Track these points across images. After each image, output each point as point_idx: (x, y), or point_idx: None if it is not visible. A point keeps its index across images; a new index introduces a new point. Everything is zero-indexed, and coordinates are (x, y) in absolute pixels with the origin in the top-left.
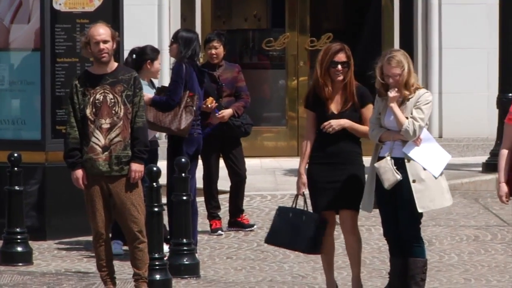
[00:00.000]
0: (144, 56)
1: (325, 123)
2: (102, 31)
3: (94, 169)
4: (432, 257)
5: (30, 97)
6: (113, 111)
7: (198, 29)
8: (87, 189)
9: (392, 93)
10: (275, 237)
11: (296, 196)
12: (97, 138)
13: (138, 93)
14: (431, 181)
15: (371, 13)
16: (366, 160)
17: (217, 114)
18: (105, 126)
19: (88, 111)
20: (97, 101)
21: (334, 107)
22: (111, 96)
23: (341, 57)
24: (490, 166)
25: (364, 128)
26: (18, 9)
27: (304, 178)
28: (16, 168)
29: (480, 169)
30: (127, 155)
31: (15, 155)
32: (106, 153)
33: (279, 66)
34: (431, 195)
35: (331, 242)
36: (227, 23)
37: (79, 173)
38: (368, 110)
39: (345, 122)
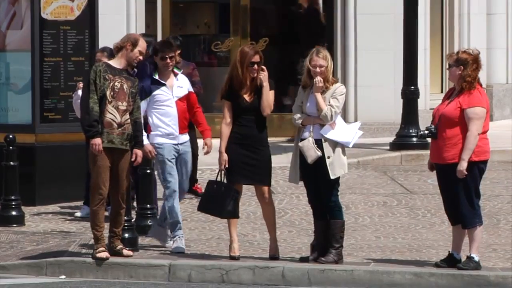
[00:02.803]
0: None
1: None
2: (145, 46)
3: (109, 141)
4: (349, 219)
5: (23, 89)
6: (128, 98)
7: (159, 34)
8: (99, 160)
9: (318, 78)
10: (202, 205)
11: (220, 171)
12: (113, 115)
13: (138, 93)
14: (338, 155)
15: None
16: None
17: None
18: (122, 107)
19: (108, 93)
20: (115, 87)
21: (247, 97)
22: (126, 85)
23: (257, 58)
24: (395, 146)
25: (270, 99)
26: (12, 18)
27: (225, 156)
28: (11, 147)
29: (388, 147)
30: (131, 134)
31: (10, 136)
32: (120, 129)
33: (225, 64)
34: (339, 165)
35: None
36: (183, 29)
37: (99, 140)
38: (271, 93)
39: (267, 84)
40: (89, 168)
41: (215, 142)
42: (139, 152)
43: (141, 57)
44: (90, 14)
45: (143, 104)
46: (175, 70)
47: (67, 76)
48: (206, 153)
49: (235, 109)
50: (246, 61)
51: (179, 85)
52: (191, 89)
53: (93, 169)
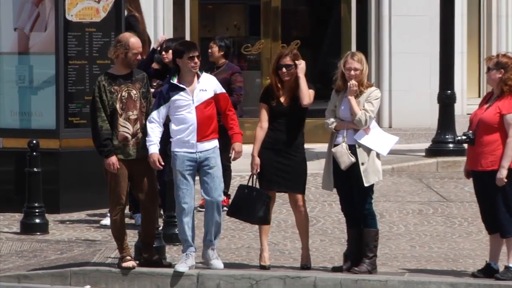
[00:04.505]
0: None
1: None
2: (140, 44)
3: (125, 154)
4: (383, 228)
5: (47, 93)
6: (138, 104)
7: (187, 36)
8: (116, 172)
9: (352, 82)
10: (232, 210)
11: (251, 175)
12: (126, 128)
13: (149, 91)
14: (373, 161)
15: (332, 23)
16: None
17: None
18: (133, 117)
19: (118, 106)
20: (123, 98)
21: (283, 101)
22: (134, 91)
23: (286, 60)
24: (431, 152)
25: (308, 89)
26: (36, 20)
27: (257, 160)
28: (34, 153)
29: (424, 154)
30: (145, 141)
31: (34, 141)
32: (134, 139)
33: (256, 67)
34: (373, 172)
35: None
36: (212, 31)
37: (114, 159)
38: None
39: (303, 74)
40: (105, 177)
41: (245, 147)
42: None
43: (138, 57)
44: (116, 16)
45: (163, 110)
46: (198, 72)
47: (92, 79)
48: (234, 159)
49: (271, 112)
50: (275, 63)
51: (202, 88)
52: (221, 90)
53: (111, 178)
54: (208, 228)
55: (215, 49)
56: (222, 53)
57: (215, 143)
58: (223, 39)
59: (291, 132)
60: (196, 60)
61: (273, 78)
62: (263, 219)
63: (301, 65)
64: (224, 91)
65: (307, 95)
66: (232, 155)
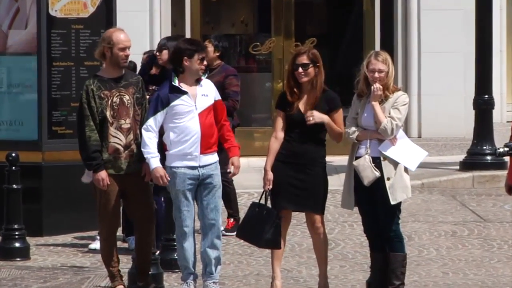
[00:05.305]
0: None
1: (308, 112)
2: (128, 38)
3: (116, 168)
4: (411, 252)
5: (28, 99)
6: (131, 112)
7: (187, 34)
8: (106, 188)
9: (376, 85)
10: (241, 231)
11: (263, 192)
12: (118, 138)
13: (145, 96)
14: (400, 176)
15: (353, 18)
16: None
17: None
18: (125, 126)
19: (108, 114)
20: (114, 104)
21: (302, 108)
22: (127, 97)
23: (302, 59)
24: (467, 165)
25: (338, 129)
26: (15, 16)
27: (270, 174)
28: (14, 167)
29: (458, 167)
30: (139, 153)
31: (13, 154)
32: (126, 152)
33: (266, 69)
34: (400, 188)
35: (283, 238)
36: (216, 28)
37: (104, 174)
38: (338, 114)
39: (326, 118)
40: (94, 194)
41: (253, 160)
42: (148, 169)
43: (128, 53)
44: (106, 11)
45: (161, 116)
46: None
47: (80, 83)
48: (232, 175)
49: (287, 121)
50: (290, 64)
51: (203, 93)
52: (219, 97)
53: (101, 196)
54: (208, 258)
55: (210, 49)
56: (217, 53)
57: (216, 157)
58: (220, 38)
59: (311, 144)
60: (205, 62)
61: (286, 83)
62: (271, 242)
63: (313, 116)
64: (220, 98)
65: (337, 135)
66: (232, 170)
